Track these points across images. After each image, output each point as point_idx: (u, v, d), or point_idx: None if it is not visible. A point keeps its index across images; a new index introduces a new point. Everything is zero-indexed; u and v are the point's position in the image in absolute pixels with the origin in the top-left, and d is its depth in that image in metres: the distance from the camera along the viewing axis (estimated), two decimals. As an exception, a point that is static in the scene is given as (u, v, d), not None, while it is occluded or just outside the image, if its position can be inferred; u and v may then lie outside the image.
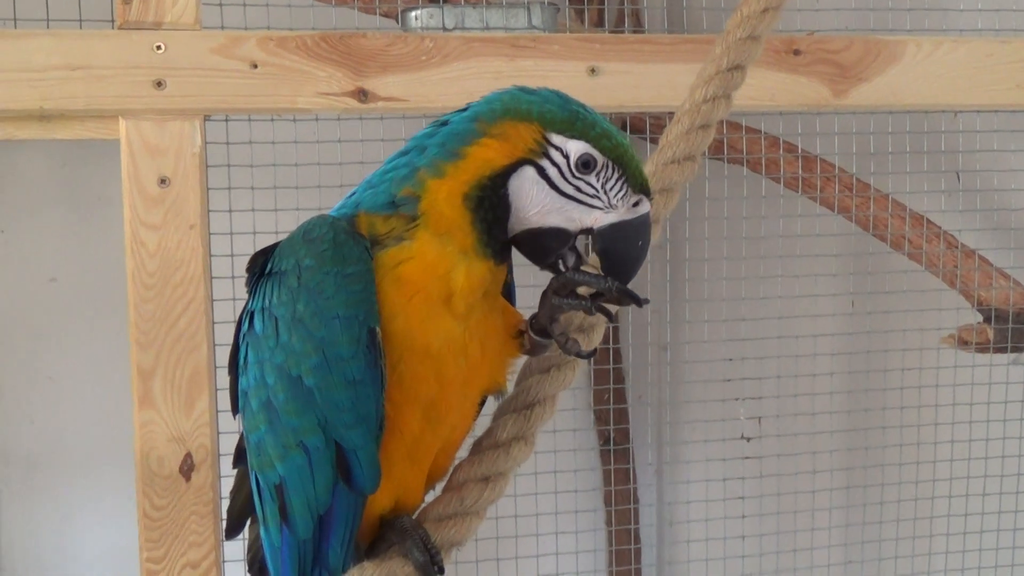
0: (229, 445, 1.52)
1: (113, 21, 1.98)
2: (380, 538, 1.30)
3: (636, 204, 1.24)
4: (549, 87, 1.26)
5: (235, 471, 1.46)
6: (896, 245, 2.65)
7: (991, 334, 2.57)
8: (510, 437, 1.36)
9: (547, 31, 2.19)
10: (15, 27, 2.07)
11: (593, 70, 2.13)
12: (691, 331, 2.89)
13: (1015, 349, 2.60)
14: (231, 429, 1.51)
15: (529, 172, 1.21)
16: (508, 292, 1.41)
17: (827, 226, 2.76)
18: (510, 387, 1.38)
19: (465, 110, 1.25)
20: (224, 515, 1.57)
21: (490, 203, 1.21)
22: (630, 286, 1.25)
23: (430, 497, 1.38)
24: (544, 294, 1.30)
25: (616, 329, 2.89)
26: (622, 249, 1.25)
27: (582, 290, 1.30)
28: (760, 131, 2.66)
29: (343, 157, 2.35)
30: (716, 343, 2.83)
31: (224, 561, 2.03)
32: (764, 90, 2.20)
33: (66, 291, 2.79)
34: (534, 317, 1.33)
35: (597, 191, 1.23)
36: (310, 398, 1.20)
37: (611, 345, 2.83)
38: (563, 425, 2.72)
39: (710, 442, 2.91)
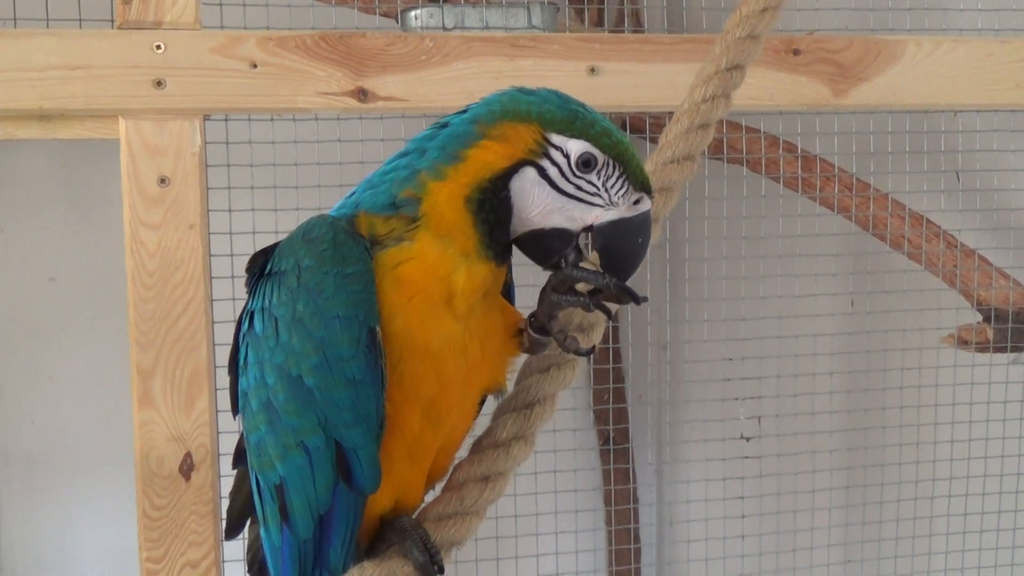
0: (229, 445, 1.52)
1: (113, 21, 1.98)
2: (380, 538, 1.30)
3: (637, 202, 1.24)
4: (548, 87, 1.26)
5: (235, 471, 1.47)
6: (896, 245, 2.65)
7: (991, 334, 2.57)
8: (510, 436, 1.36)
9: (547, 31, 2.19)
10: (15, 27, 2.07)
11: (593, 70, 2.13)
12: (691, 330, 2.89)
13: (1015, 349, 2.60)
14: (231, 429, 1.51)
15: (530, 173, 1.21)
16: (507, 291, 1.41)
17: (827, 226, 2.76)
18: (510, 386, 1.38)
19: (464, 112, 1.25)
20: (224, 515, 1.57)
21: (492, 205, 1.21)
22: (629, 285, 1.25)
23: (430, 497, 1.38)
24: (543, 291, 1.30)
25: (616, 328, 2.89)
26: (622, 246, 1.25)
27: (581, 287, 1.30)
28: (760, 131, 2.66)
29: (343, 157, 2.35)
30: (716, 343, 2.83)
31: (224, 561, 2.03)
32: (764, 90, 2.20)
33: (66, 291, 2.79)
34: (533, 315, 1.33)
35: (598, 189, 1.23)
36: (310, 398, 1.20)
37: (611, 344, 2.83)
38: (563, 424, 2.72)
39: (710, 442, 2.91)
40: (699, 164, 1.58)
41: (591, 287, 1.28)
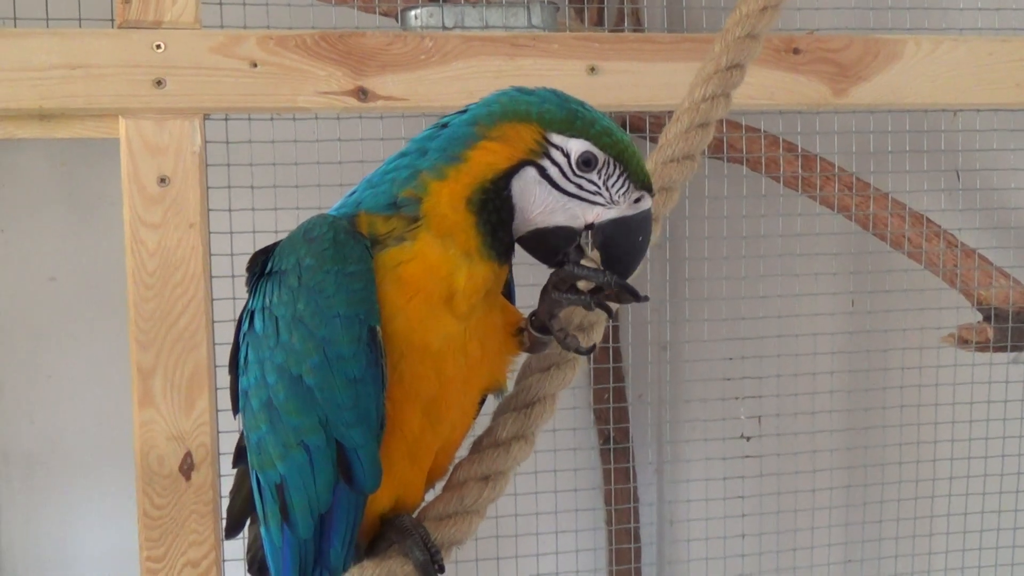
0: (229, 444, 1.52)
1: (113, 20, 1.98)
2: (380, 537, 1.31)
3: (638, 200, 1.24)
4: (548, 86, 1.27)
5: (235, 470, 1.47)
6: (896, 244, 2.65)
7: (991, 333, 2.57)
8: (510, 436, 1.36)
9: (547, 30, 2.19)
10: (15, 26, 2.07)
11: (593, 69, 2.13)
12: (691, 330, 2.89)
13: (1015, 348, 2.60)
14: (231, 428, 1.51)
15: (531, 173, 1.22)
16: (508, 290, 1.41)
17: (827, 225, 2.76)
18: (510, 386, 1.38)
19: (464, 112, 1.25)
20: (224, 514, 1.57)
21: (494, 206, 1.21)
22: (630, 283, 1.26)
23: (430, 496, 1.38)
24: (544, 290, 1.30)
25: (616, 328, 2.89)
26: (623, 244, 1.25)
27: (582, 285, 1.30)
28: (760, 130, 2.66)
29: (343, 156, 2.35)
30: (716, 342, 2.83)
31: (224, 560, 2.03)
32: (764, 89, 2.20)
33: (66, 290, 2.79)
34: (534, 314, 1.33)
35: (599, 188, 1.23)
36: (311, 397, 1.20)
37: (611, 344, 2.83)
38: (563, 424, 2.72)
39: (710, 441, 2.91)
40: (699, 163, 1.58)
41: (592, 285, 1.28)
